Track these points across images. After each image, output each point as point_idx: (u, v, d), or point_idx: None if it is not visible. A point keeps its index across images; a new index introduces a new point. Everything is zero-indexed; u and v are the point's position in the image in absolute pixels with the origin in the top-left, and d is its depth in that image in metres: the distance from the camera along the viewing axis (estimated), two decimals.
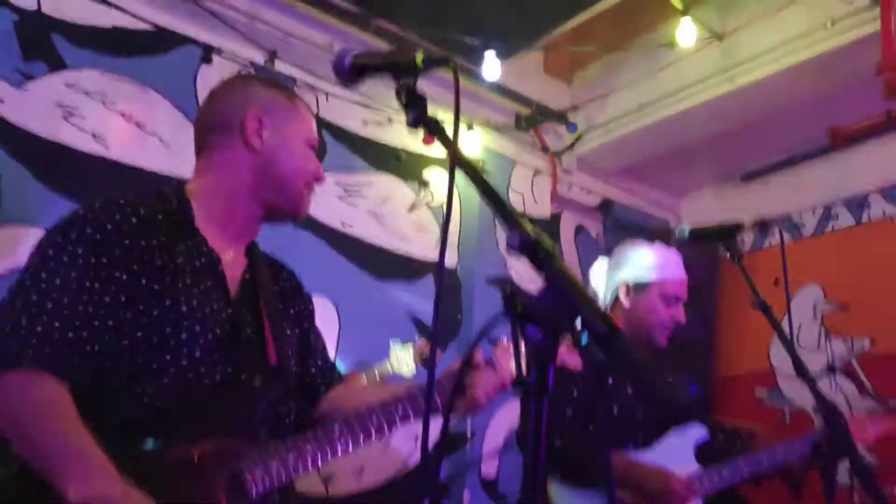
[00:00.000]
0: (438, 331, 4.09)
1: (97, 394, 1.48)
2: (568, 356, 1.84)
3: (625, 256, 2.78)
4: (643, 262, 2.71)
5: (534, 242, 0.87)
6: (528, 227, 0.90)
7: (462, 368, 1.13)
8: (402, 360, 3.18)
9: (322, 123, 4.02)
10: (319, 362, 1.93)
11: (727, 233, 2.03)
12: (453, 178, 1.03)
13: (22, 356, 1.41)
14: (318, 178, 1.82)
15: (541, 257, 0.87)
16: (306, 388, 1.87)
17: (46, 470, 1.39)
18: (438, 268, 1.08)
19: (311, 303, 1.97)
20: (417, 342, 3.30)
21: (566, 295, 0.82)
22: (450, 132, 1.08)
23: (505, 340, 1.82)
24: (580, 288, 0.83)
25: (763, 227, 2.01)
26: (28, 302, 1.45)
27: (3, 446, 1.47)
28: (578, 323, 0.82)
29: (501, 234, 4.55)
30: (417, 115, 1.08)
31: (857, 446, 2.60)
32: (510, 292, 0.85)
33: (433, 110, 1.14)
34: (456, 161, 1.00)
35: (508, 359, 1.79)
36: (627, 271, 2.71)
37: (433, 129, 1.07)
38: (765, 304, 1.83)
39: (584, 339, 2.15)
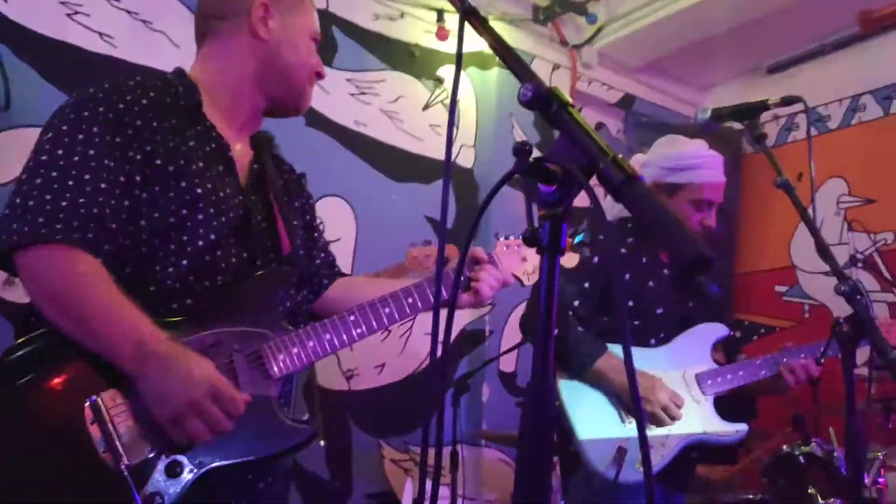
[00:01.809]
0: (455, 231, 4.08)
1: (120, 277, 1.48)
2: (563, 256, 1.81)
3: (659, 154, 2.62)
4: (677, 162, 2.55)
5: (548, 92, 0.82)
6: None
7: (460, 262, 1.10)
8: (421, 262, 3.20)
9: (332, 18, 3.91)
10: (323, 255, 1.93)
11: (750, 112, 1.94)
12: (462, 31, 0.97)
13: (52, 231, 1.39)
14: (320, 74, 1.78)
15: (554, 109, 0.82)
16: (310, 279, 1.88)
17: (95, 340, 1.38)
18: (446, 157, 1.03)
19: (312, 197, 1.95)
20: (433, 244, 3.31)
21: (581, 144, 0.78)
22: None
23: (502, 238, 1.82)
24: (596, 137, 0.79)
25: (790, 104, 1.92)
26: (49, 179, 1.43)
27: (24, 319, 1.48)
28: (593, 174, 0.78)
29: (519, 133, 4.47)
30: None
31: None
32: (521, 146, 0.81)
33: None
34: (463, 12, 0.95)
35: (508, 256, 1.79)
36: (660, 170, 2.57)
37: None
38: (788, 184, 1.77)
39: (580, 238, 2.10)
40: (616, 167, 0.75)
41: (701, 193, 2.54)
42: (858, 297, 1.70)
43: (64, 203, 1.41)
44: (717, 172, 2.57)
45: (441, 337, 0.99)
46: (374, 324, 1.66)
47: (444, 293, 1.67)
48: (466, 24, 0.97)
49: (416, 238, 3.94)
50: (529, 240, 0.82)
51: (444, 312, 0.99)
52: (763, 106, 1.92)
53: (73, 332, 1.40)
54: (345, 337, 1.63)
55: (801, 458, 3.01)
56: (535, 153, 0.85)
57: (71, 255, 1.41)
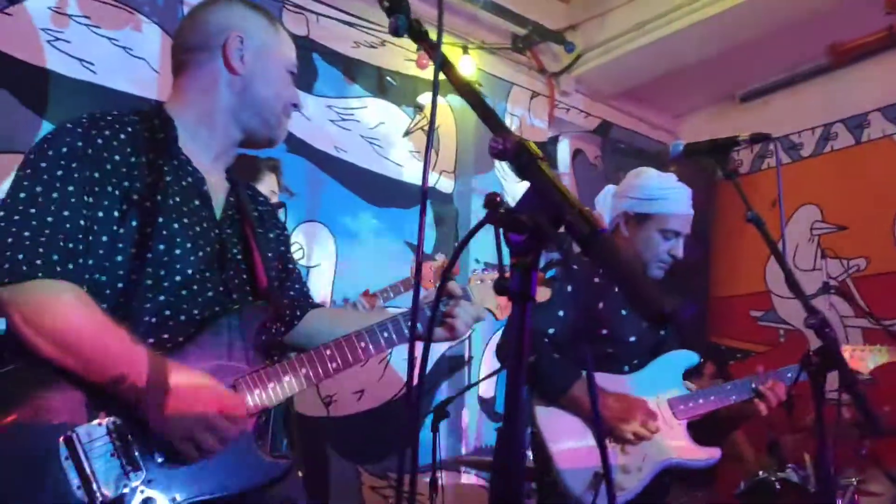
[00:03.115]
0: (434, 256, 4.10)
1: None
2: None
3: (630, 184, 2.69)
4: (646, 193, 2.62)
5: (517, 146, 0.85)
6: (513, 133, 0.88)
7: (437, 297, 1.12)
8: (425, 275, 3.17)
9: (313, 46, 3.94)
10: (297, 286, 1.93)
11: (722, 148, 1.99)
12: (437, 81, 1.00)
13: (33, 268, 1.40)
14: (296, 106, 1.79)
15: (524, 161, 0.85)
16: (283, 311, 1.88)
17: (90, 368, 1.39)
18: (423, 177, 1.06)
19: (286, 229, 1.95)
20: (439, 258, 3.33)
21: (549, 198, 0.81)
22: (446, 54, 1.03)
23: (477, 272, 1.84)
24: (563, 190, 0.81)
25: (759, 141, 1.96)
26: (27, 216, 1.44)
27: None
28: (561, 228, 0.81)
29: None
30: (399, 20, 1.04)
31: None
32: (493, 197, 0.84)
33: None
34: (441, 65, 0.97)
35: (482, 290, 1.81)
36: (630, 200, 2.64)
37: (416, 35, 1.03)
38: (758, 218, 1.81)
39: (552, 273, 2.12)
40: (582, 220, 0.78)
41: (668, 224, 2.59)
42: (827, 329, 1.73)
43: (43, 239, 1.42)
44: (685, 204, 2.63)
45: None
46: (350, 358, 1.67)
47: (420, 327, 1.68)
48: (445, 69, 0.99)
49: (396, 263, 3.96)
50: (499, 288, 0.84)
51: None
52: (733, 142, 1.96)
53: (67, 362, 1.40)
54: (321, 371, 1.64)
55: (777, 483, 3.05)
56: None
57: (56, 287, 1.42)
